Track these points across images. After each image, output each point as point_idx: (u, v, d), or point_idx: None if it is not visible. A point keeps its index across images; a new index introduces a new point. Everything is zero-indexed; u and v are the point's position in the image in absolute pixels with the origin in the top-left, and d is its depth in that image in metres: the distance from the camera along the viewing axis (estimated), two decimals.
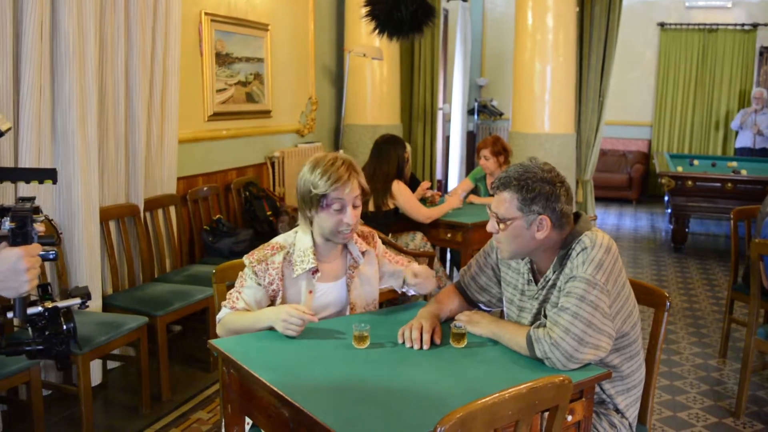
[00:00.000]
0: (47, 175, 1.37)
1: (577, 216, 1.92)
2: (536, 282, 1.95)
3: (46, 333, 1.31)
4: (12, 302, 1.28)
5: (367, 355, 1.82)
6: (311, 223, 2.06)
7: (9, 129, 1.35)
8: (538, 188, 1.81)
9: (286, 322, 1.89)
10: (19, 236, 1.24)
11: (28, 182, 1.38)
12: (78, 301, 1.37)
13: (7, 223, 1.24)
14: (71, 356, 2.85)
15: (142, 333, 3.15)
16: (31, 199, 1.31)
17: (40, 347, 1.32)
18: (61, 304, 1.33)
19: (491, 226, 1.89)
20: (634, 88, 9.88)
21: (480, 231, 4.11)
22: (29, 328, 1.33)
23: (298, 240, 2.10)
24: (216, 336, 2.09)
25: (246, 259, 2.07)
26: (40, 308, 1.31)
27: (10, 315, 1.30)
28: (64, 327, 1.32)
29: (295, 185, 2.08)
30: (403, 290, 2.28)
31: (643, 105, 9.92)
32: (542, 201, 1.81)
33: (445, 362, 1.79)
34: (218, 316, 2.06)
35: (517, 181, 1.82)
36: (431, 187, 4.73)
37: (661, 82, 9.73)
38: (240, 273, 2.10)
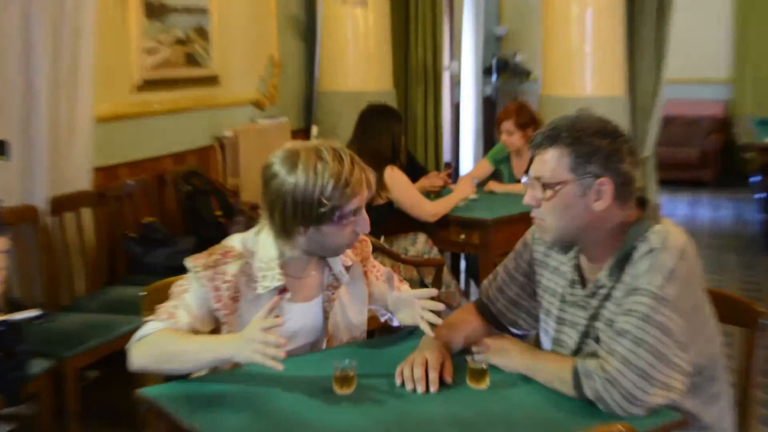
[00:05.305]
0: None
1: (642, 202, 1.93)
2: (583, 285, 1.95)
3: None
4: None
5: (354, 402, 1.83)
6: (294, 237, 2.05)
7: None
8: (596, 143, 1.83)
9: (259, 344, 1.81)
10: None
11: None
12: (36, 313, 1.37)
13: None
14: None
15: (45, 382, 3.12)
16: None
17: None
18: (16, 317, 1.32)
19: (530, 198, 1.91)
20: (704, 34, 9.85)
21: (504, 230, 4.08)
22: None
23: (260, 246, 2.10)
24: (145, 382, 2.06)
25: (189, 262, 2.07)
26: None
27: None
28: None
29: (269, 188, 2.05)
30: (386, 318, 2.30)
31: (718, 56, 9.93)
32: (601, 159, 1.83)
33: (461, 409, 1.79)
34: (141, 333, 1.99)
35: (569, 133, 1.85)
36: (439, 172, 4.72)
37: (740, 25, 9.73)
38: (180, 281, 2.09)
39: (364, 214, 2.07)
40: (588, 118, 1.88)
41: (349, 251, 2.20)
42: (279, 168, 2.02)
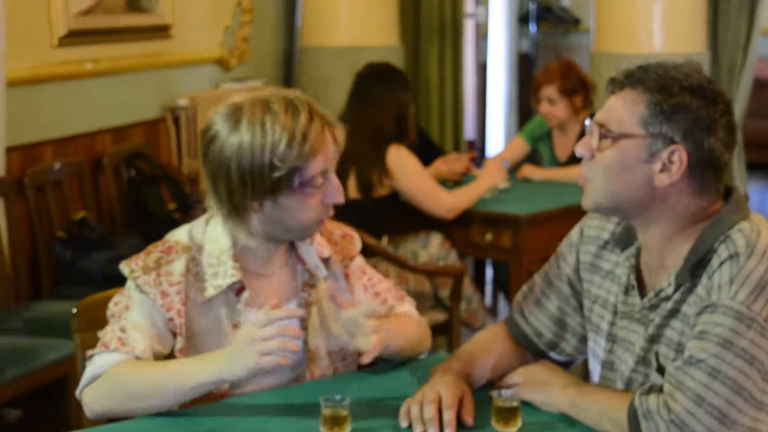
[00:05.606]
0: None
1: (726, 192, 1.91)
2: (642, 294, 1.94)
3: None
4: None
5: None
6: (247, 216, 2.07)
7: None
8: (686, 100, 1.81)
9: (264, 341, 1.85)
10: None
11: None
12: None
13: None
14: None
15: None
16: None
17: None
18: None
19: (584, 145, 1.89)
20: None
21: (543, 228, 4.14)
22: None
23: (208, 237, 2.12)
24: (81, 424, 2.09)
25: (125, 266, 2.09)
26: None
27: None
28: None
29: (210, 155, 2.07)
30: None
31: None
32: (684, 122, 1.81)
33: None
34: (91, 373, 2.00)
35: (657, 78, 1.84)
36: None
37: None
38: (115, 297, 2.10)
39: (333, 179, 2.07)
40: (688, 70, 1.87)
41: (324, 242, 2.21)
42: (220, 127, 2.04)
